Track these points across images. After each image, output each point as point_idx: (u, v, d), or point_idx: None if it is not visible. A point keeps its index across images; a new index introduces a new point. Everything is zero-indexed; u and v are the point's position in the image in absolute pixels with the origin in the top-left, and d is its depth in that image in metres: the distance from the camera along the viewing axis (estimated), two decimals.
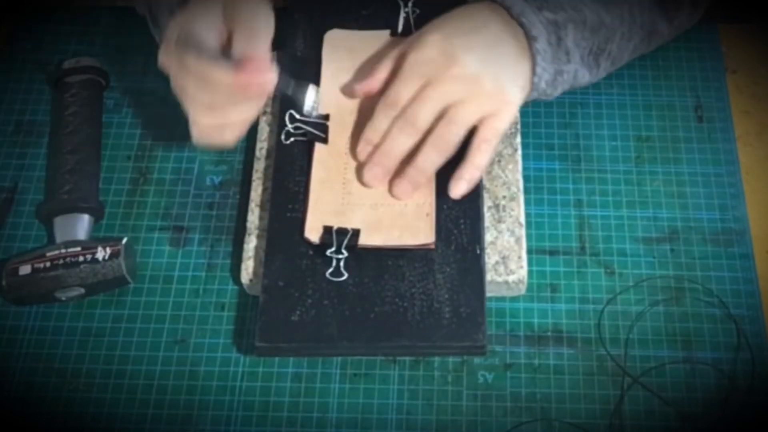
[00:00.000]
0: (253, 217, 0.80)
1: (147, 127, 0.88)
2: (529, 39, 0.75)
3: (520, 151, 0.82)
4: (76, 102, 0.86)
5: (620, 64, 0.83)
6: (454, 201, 0.76)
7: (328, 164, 0.79)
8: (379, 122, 0.76)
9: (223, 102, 0.73)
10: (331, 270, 0.74)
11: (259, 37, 0.73)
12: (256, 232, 0.79)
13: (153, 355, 0.77)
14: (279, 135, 0.81)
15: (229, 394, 0.75)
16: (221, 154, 0.77)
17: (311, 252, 0.75)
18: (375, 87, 0.78)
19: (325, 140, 0.80)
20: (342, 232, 0.75)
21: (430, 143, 0.74)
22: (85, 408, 0.75)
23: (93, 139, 0.85)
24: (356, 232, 0.75)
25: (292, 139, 0.80)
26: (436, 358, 0.76)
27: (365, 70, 0.81)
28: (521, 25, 0.75)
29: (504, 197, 0.80)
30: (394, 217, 0.76)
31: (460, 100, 0.73)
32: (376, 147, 0.77)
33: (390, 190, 0.77)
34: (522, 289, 0.77)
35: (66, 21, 0.96)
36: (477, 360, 0.76)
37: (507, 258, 0.77)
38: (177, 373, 0.76)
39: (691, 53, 0.91)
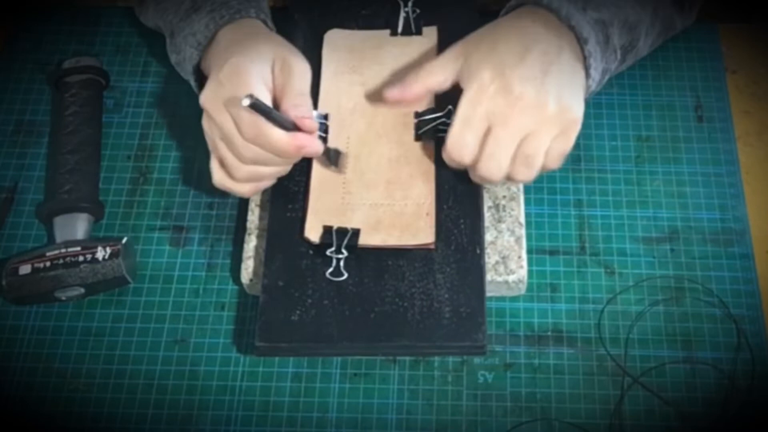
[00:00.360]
0: (253, 217, 0.80)
1: (147, 127, 0.88)
2: (580, 41, 0.73)
3: None
4: (76, 102, 0.86)
5: (639, 59, 0.83)
6: (455, 201, 0.77)
7: (328, 165, 0.79)
8: (462, 145, 0.73)
9: (265, 159, 0.72)
10: (331, 270, 0.74)
11: (308, 97, 0.74)
12: (256, 231, 0.79)
13: (153, 354, 0.77)
14: None
15: (229, 394, 0.75)
16: None
17: (311, 252, 0.75)
18: (407, 98, 0.76)
19: (325, 140, 0.79)
20: (342, 231, 0.75)
21: (513, 177, 0.73)
22: (85, 408, 0.75)
23: (93, 139, 0.85)
24: (356, 232, 0.75)
25: None
26: (436, 358, 0.76)
27: (367, 69, 0.81)
28: (571, 28, 0.73)
29: (504, 197, 0.80)
30: (394, 217, 0.76)
31: (529, 133, 0.71)
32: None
33: None
34: (522, 289, 0.77)
35: (66, 21, 0.95)
36: (477, 360, 0.76)
37: (507, 258, 0.77)
38: (177, 372, 0.76)
39: (691, 53, 0.91)
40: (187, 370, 0.76)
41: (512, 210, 0.79)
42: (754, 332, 0.76)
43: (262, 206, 0.80)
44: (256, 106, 0.69)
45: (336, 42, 0.85)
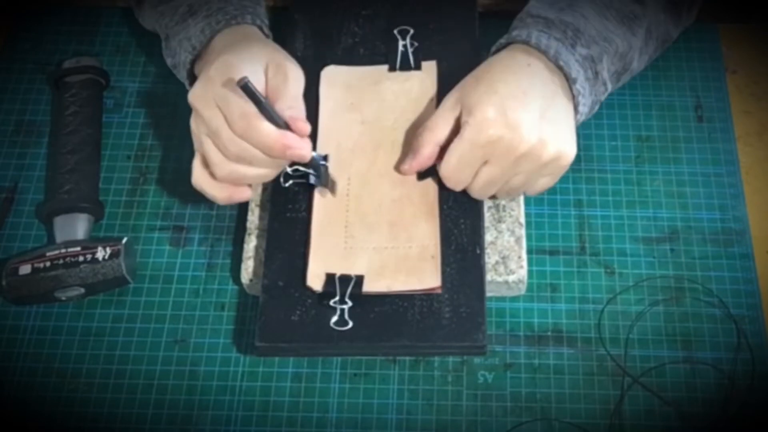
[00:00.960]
0: (253, 217, 0.80)
1: (147, 127, 0.88)
2: (569, 81, 0.74)
3: None
4: (76, 102, 0.86)
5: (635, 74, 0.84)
6: (455, 201, 0.76)
7: (329, 207, 0.77)
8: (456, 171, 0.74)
9: (251, 157, 0.72)
10: (335, 319, 0.72)
11: (302, 102, 0.74)
12: (256, 231, 0.79)
13: (153, 354, 0.77)
14: None
15: (229, 394, 0.75)
16: None
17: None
18: (423, 165, 0.76)
19: (325, 184, 0.77)
20: (345, 279, 0.74)
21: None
22: (85, 408, 0.75)
23: (93, 139, 0.85)
24: (360, 279, 0.73)
25: (291, 182, 0.78)
26: (436, 358, 0.76)
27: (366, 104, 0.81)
28: (559, 68, 0.74)
29: None
30: (399, 261, 0.74)
31: (522, 173, 0.73)
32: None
33: None
34: (522, 289, 0.77)
35: (66, 21, 0.95)
36: (477, 360, 0.76)
37: (507, 258, 0.77)
38: (177, 372, 0.76)
39: (691, 53, 0.91)
40: (187, 370, 0.76)
41: (512, 210, 0.79)
42: (754, 332, 0.76)
43: (262, 206, 0.80)
44: (249, 89, 0.68)
45: (333, 79, 0.83)
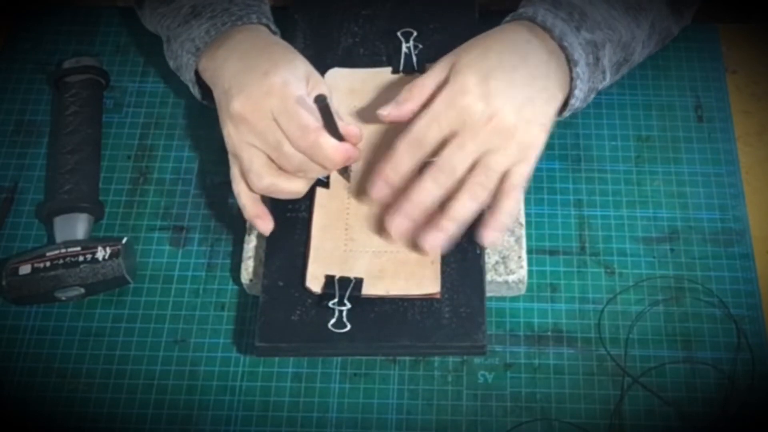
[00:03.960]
0: None
1: (147, 127, 0.88)
2: (570, 63, 0.74)
3: None
4: (76, 102, 0.86)
5: (634, 67, 0.83)
6: None
7: (329, 209, 0.77)
8: (402, 162, 0.72)
9: (309, 169, 0.73)
10: (333, 321, 0.72)
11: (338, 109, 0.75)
12: (256, 231, 0.79)
13: (153, 354, 0.77)
14: None
15: (229, 394, 0.75)
16: (222, 153, 0.77)
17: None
18: (404, 115, 0.74)
19: (326, 185, 0.78)
20: (344, 281, 0.74)
21: (467, 192, 0.71)
22: (85, 408, 0.75)
23: (93, 139, 0.85)
24: (359, 282, 0.74)
25: None
26: (436, 358, 0.76)
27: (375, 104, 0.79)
28: (562, 48, 0.74)
29: None
30: (398, 265, 0.74)
31: (495, 149, 0.71)
32: (401, 193, 0.73)
33: (420, 244, 0.73)
34: (522, 289, 0.77)
35: (66, 21, 0.95)
36: (477, 360, 0.76)
37: (507, 258, 0.77)
38: (177, 372, 0.76)
39: (691, 53, 0.91)
40: (187, 370, 0.76)
41: None
42: (754, 332, 0.76)
43: None
44: (327, 107, 0.70)
45: (336, 83, 0.82)
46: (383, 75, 0.84)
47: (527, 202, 0.81)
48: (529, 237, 0.80)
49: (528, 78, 0.72)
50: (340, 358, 0.76)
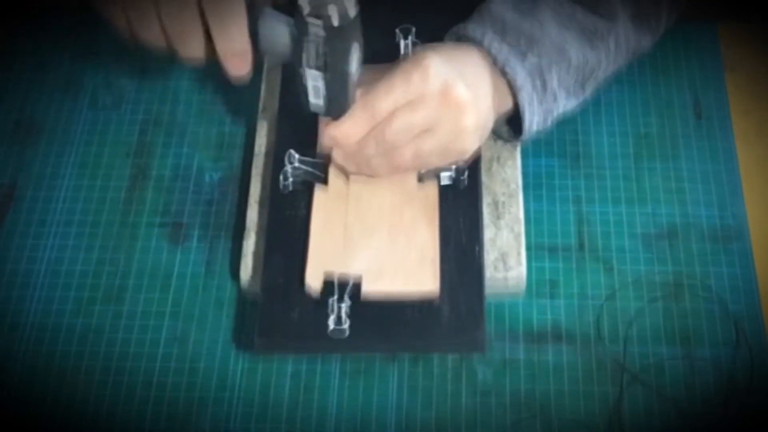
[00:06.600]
0: (253, 214, 0.80)
1: (146, 124, 0.88)
2: (515, 89, 0.75)
3: (519, 149, 0.82)
4: None
5: (606, 83, 0.83)
6: (454, 199, 0.77)
7: (328, 208, 0.77)
8: (353, 126, 0.74)
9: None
10: (332, 319, 0.72)
11: None
12: (255, 229, 0.79)
13: (152, 352, 0.77)
14: (275, 134, 0.81)
15: (228, 392, 0.75)
16: (220, 150, 0.77)
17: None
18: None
19: (325, 181, 0.78)
20: (344, 279, 0.74)
21: (387, 158, 0.74)
22: (84, 406, 0.75)
23: None
24: (358, 281, 0.73)
25: (290, 180, 0.78)
26: (436, 356, 0.76)
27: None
28: (504, 74, 0.75)
29: (503, 194, 0.80)
30: (397, 264, 0.74)
31: (433, 128, 0.72)
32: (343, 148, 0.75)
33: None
34: (521, 286, 0.77)
35: (65, 19, 0.96)
36: (476, 357, 0.76)
37: (506, 255, 0.77)
38: (176, 370, 0.76)
39: (689, 51, 0.91)
40: (186, 367, 0.76)
41: (511, 207, 0.79)
42: (753, 329, 0.76)
43: (261, 203, 0.80)
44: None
45: None
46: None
47: (526, 199, 0.81)
48: (528, 234, 0.80)
49: (477, 80, 0.74)
50: (339, 356, 0.76)
